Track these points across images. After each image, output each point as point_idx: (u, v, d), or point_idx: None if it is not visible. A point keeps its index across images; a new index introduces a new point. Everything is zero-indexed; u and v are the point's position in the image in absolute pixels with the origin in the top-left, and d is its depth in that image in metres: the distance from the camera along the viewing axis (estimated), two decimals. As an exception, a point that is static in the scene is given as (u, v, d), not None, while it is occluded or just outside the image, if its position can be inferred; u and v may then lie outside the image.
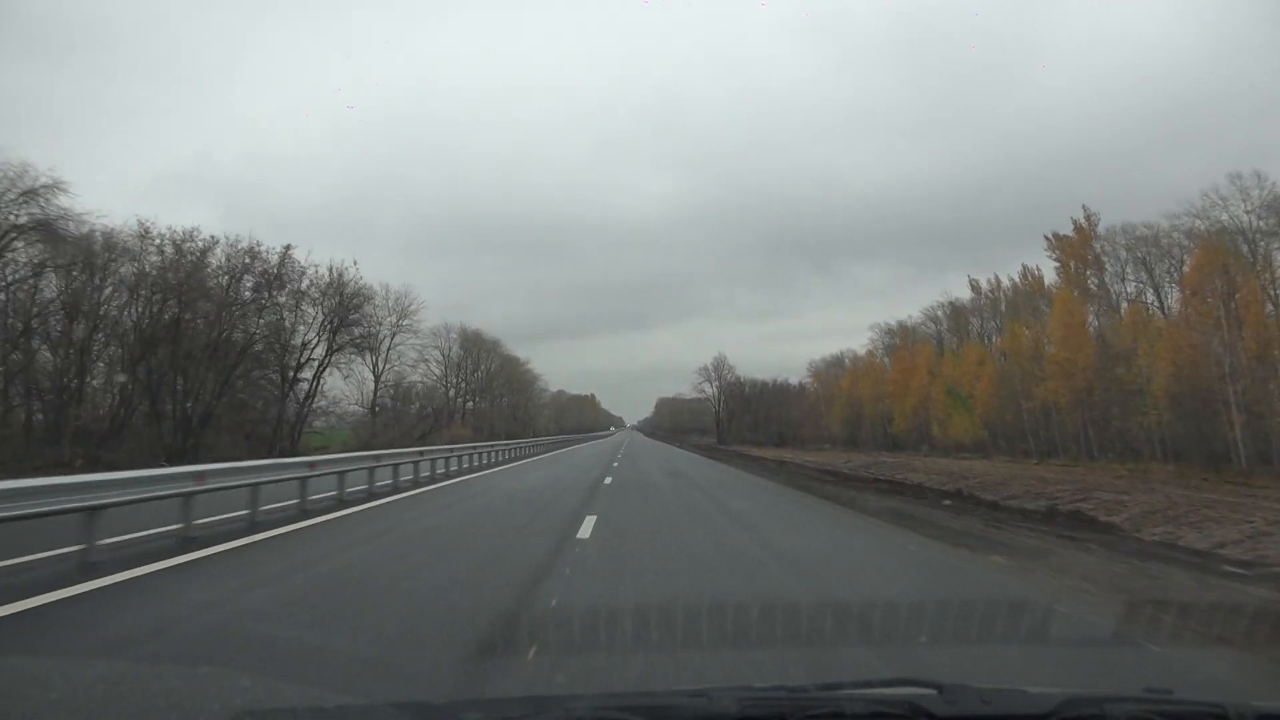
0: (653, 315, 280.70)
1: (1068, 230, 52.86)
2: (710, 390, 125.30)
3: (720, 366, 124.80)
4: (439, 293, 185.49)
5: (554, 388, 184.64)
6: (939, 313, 76.50)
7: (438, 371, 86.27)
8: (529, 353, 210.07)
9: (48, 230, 32.50)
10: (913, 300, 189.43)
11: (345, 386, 56.40)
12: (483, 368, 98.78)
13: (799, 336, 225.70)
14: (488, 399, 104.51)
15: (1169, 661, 5.09)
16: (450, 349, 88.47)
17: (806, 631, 5.66)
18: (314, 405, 50.66)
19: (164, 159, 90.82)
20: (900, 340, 75.44)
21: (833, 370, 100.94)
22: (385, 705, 2.14)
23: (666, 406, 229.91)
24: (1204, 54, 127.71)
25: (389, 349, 61.08)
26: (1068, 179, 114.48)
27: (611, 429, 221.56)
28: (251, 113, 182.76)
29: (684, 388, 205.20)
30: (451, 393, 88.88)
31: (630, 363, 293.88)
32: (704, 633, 5.49)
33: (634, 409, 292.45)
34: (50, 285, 35.62)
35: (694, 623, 5.71)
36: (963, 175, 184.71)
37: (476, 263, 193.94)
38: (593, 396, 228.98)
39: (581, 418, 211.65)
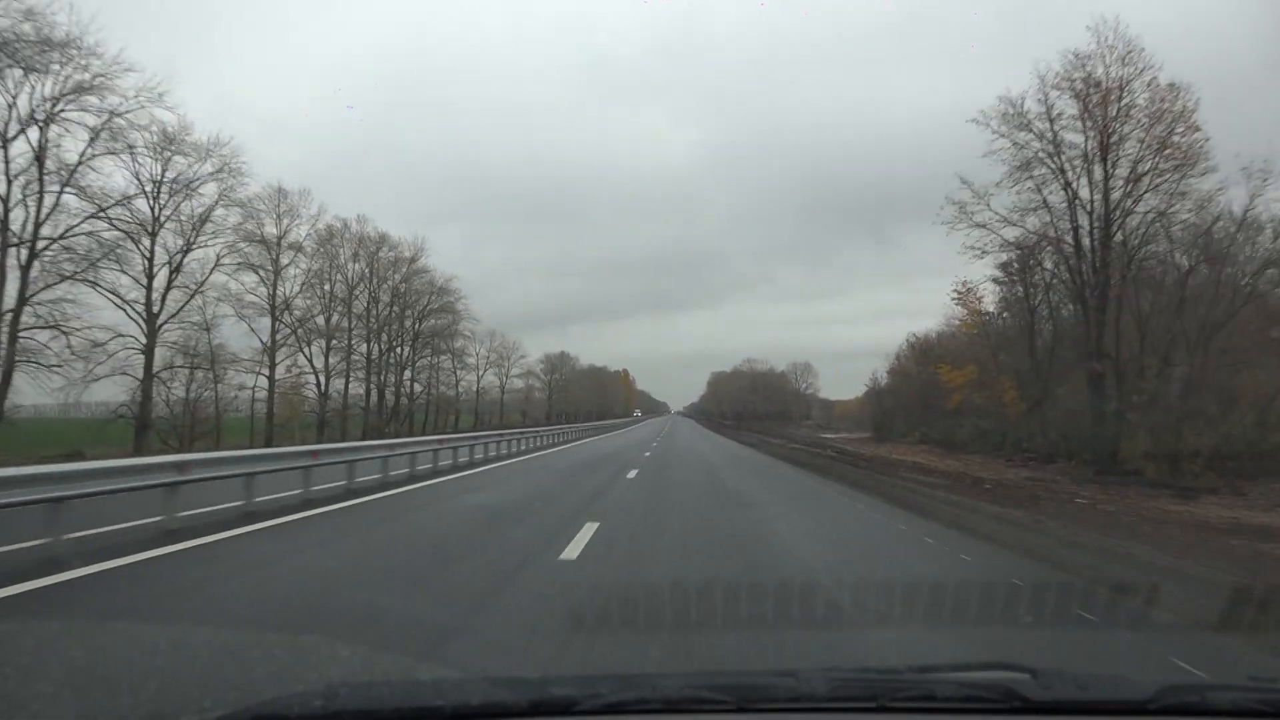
0: (688, 295, 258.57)
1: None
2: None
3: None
4: (446, 268, 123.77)
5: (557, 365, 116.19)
6: None
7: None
8: (558, 336, 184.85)
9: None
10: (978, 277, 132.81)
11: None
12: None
13: (847, 321, 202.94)
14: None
15: (1276, 649, 4.93)
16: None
17: (899, 613, 5.55)
18: None
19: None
20: None
21: None
22: (479, 679, 2.24)
23: (725, 385, 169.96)
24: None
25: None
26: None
27: (637, 413, 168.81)
28: (222, 63, 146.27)
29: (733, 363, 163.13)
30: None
31: (671, 346, 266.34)
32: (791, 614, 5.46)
33: (681, 393, 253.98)
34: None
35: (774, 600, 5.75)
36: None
37: (486, 232, 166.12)
38: (625, 373, 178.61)
39: (605, 399, 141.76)
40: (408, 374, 53.95)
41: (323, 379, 41.87)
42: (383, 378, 49.17)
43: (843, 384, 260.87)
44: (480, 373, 72.68)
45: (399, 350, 51.58)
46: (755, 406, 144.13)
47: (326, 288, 41.85)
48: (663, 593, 6.26)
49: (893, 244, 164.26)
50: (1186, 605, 6.05)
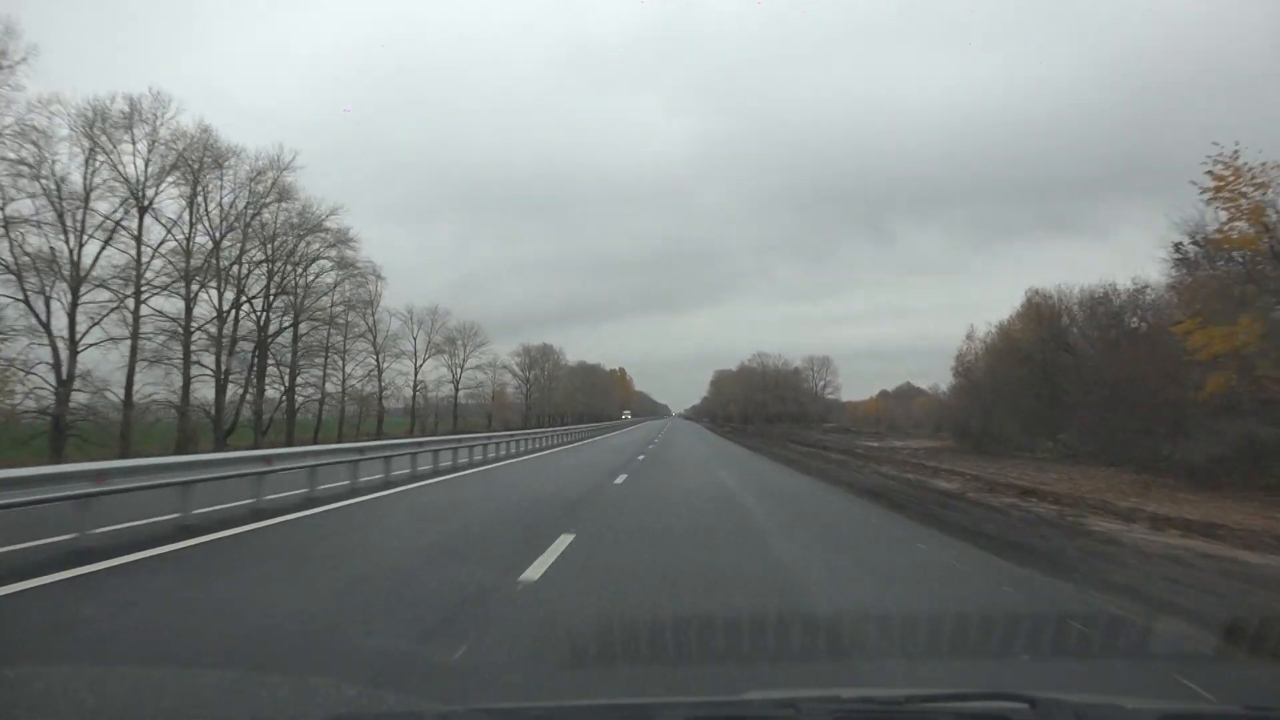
0: (687, 294, 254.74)
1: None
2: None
3: None
4: (439, 270, 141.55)
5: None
6: None
7: None
8: (557, 338, 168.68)
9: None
10: (977, 274, 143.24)
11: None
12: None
13: (850, 319, 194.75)
14: None
15: (1274, 678, 4.76)
16: None
17: (899, 644, 5.30)
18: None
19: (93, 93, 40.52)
20: None
21: None
22: (480, 709, 2.19)
23: (729, 384, 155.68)
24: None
25: None
26: (1185, 107, 68.62)
27: (626, 414, 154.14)
28: (207, 56, 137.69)
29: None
30: None
31: (671, 348, 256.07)
32: (793, 644, 5.25)
33: (682, 395, 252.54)
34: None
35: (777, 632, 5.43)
36: (1041, 102, 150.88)
37: (478, 230, 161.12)
38: (622, 372, 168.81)
39: (597, 399, 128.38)
40: (279, 356, 36.19)
41: (64, 354, 24.18)
42: (223, 357, 31.50)
43: (848, 384, 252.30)
44: (418, 362, 55.06)
45: (257, 314, 33.78)
46: (766, 408, 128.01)
47: (63, 188, 24.04)
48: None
49: (894, 240, 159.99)
50: None
